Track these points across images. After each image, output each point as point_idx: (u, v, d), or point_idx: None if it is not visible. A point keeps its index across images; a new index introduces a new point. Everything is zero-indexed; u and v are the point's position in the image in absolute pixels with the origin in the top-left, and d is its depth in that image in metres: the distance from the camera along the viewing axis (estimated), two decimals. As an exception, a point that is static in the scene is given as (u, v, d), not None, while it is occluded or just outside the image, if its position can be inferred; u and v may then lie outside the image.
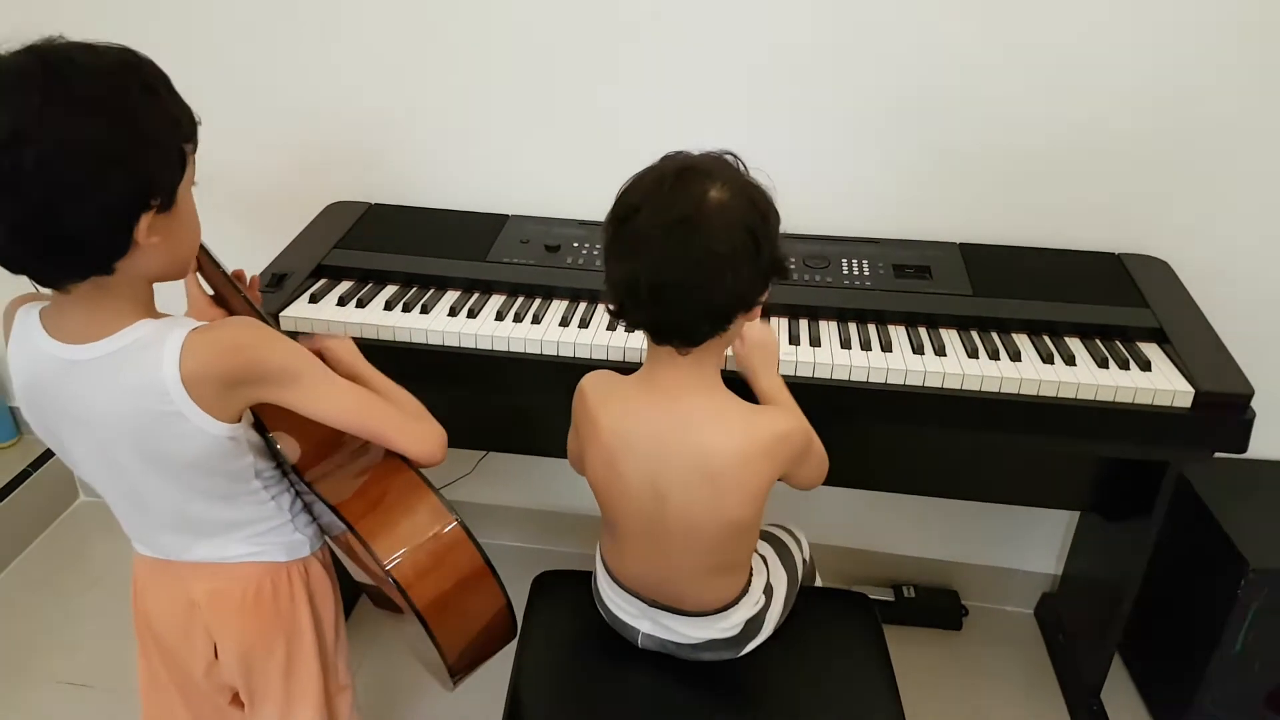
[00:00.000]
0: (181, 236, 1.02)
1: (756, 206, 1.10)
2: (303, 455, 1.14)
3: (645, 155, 1.14)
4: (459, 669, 1.16)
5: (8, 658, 1.99)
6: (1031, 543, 2.07)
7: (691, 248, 1.05)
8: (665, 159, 1.13)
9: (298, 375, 1.06)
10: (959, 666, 2.00)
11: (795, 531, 1.53)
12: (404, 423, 1.14)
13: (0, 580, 2.19)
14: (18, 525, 2.27)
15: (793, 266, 1.18)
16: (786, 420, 1.22)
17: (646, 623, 1.32)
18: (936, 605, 2.09)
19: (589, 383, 1.25)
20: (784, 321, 1.55)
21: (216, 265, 1.21)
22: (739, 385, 1.30)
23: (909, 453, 1.82)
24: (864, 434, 1.71)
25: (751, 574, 1.33)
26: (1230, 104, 1.60)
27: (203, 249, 1.19)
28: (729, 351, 1.36)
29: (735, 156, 1.15)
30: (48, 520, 2.35)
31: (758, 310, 1.16)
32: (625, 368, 1.33)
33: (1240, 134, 1.62)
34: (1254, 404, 1.38)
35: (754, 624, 1.32)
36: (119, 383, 1.00)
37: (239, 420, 1.06)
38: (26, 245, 0.93)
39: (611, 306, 1.14)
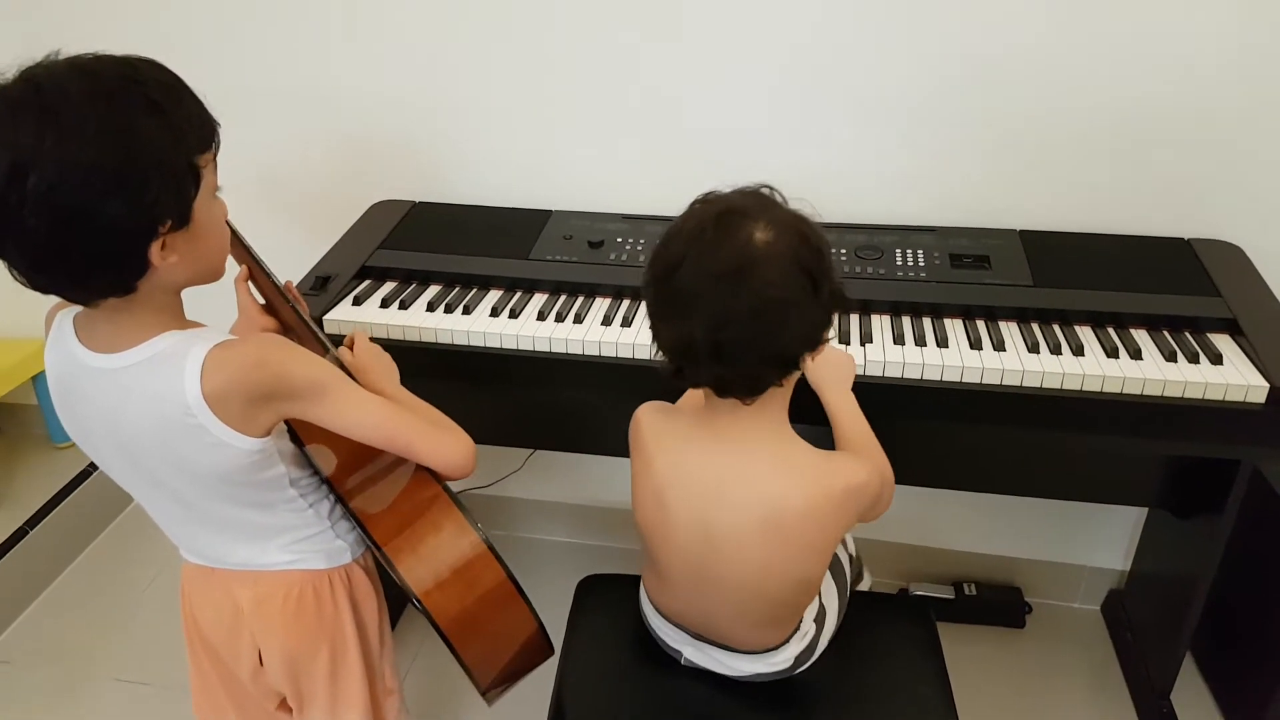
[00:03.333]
0: (204, 249, 1.01)
1: (807, 241, 1.03)
2: (336, 468, 1.13)
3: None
4: (490, 688, 1.15)
5: (70, 655, 2.03)
6: (1098, 538, 2.00)
7: (746, 298, 0.99)
8: (698, 204, 1.07)
9: (323, 390, 1.05)
10: (1022, 666, 1.94)
11: None
12: (431, 434, 1.13)
13: (61, 579, 2.23)
14: (78, 525, 2.31)
15: (844, 286, 1.11)
16: (860, 470, 1.13)
17: (690, 649, 1.29)
18: (999, 602, 2.03)
19: (645, 415, 1.20)
20: (834, 318, 1.50)
21: (268, 275, 1.21)
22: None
23: (966, 450, 1.76)
24: (920, 432, 1.66)
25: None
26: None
27: (254, 259, 1.18)
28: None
29: (771, 189, 1.08)
30: (106, 520, 2.39)
31: (825, 346, 1.09)
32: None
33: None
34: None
35: (807, 653, 1.27)
36: (144, 393, 1.00)
37: (267, 434, 1.05)
38: (45, 273, 0.94)
39: (668, 368, 1.08)
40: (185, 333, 1.02)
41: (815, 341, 1.06)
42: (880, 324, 1.49)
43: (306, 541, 1.17)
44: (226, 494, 1.09)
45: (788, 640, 1.24)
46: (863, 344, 1.44)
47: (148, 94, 0.92)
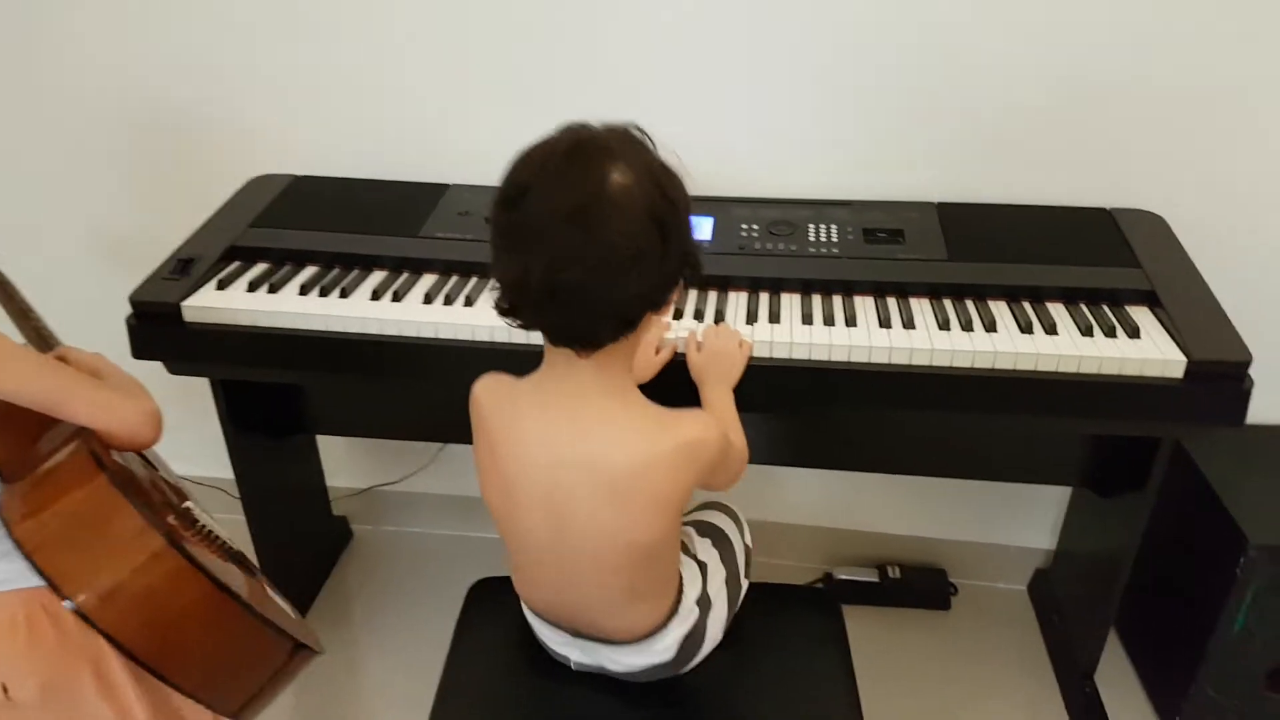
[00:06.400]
0: None
1: (665, 193, 0.95)
2: None
3: (597, 116, 1.00)
4: (232, 711, 1.05)
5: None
6: (1024, 517, 1.96)
7: (591, 242, 0.91)
8: (560, 131, 0.98)
9: None
10: (947, 648, 1.90)
11: (733, 510, 1.39)
12: (97, 395, 1.04)
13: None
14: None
15: (703, 260, 1.03)
16: (697, 426, 1.06)
17: (576, 651, 1.21)
18: (923, 585, 1.99)
19: (482, 387, 1.11)
20: (744, 296, 1.43)
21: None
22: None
23: (881, 432, 1.70)
24: (832, 415, 1.60)
25: (682, 587, 1.19)
26: (1229, 45, 1.46)
27: None
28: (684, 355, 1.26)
29: (642, 131, 1.00)
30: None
31: (669, 308, 1.03)
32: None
33: (1239, 79, 1.49)
34: (1254, 367, 1.25)
35: (693, 640, 1.19)
36: None
37: None
38: None
39: (502, 304, 0.99)
40: None
41: (657, 303, 0.99)
42: (790, 303, 1.41)
43: (4, 559, 1.02)
44: None
45: (667, 624, 1.17)
46: (770, 324, 1.36)
47: None
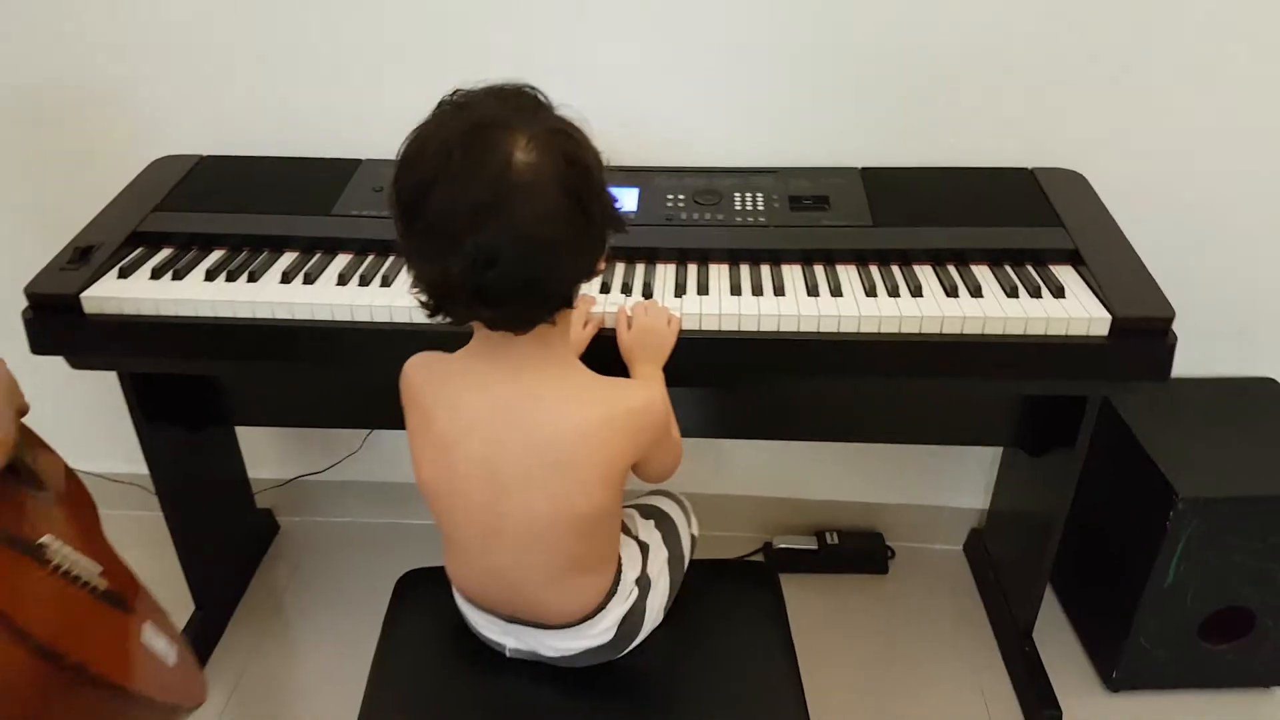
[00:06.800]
0: None
1: (574, 161, 0.90)
2: None
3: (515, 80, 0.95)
4: None
5: None
6: (957, 478, 1.97)
7: (509, 236, 0.86)
8: (447, 108, 0.92)
9: None
10: (887, 612, 1.91)
11: (682, 499, 1.37)
12: None
13: None
14: None
15: (626, 212, 1.02)
16: (642, 392, 1.06)
17: (510, 638, 1.17)
18: (862, 549, 1.99)
19: (414, 366, 1.07)
20: (671, 268, 1.39)
21: None
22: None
23: (814, 400, 1.68)
24: (765, 386, 1.58)
25: (620, 566, 1.17)
26: (1141, 6, 1.46)
27: None
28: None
29: (534, 89, 0.95)
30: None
31: (598, 274, 1.00)
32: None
33: (1150, 38, 1.49)
34: (1178, 321, 1.26)
35: (631, 622, 1.17)
36: None
37: None
38: None
39: (428, 305, 0.94)
40: None
41: (591, 272, 0.97)
42: (718, 274, 1.38)
43: None
44: None
45: (605, 605, 1.14)
46: (699, 295, 1.33)
47: None
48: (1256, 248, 1.65)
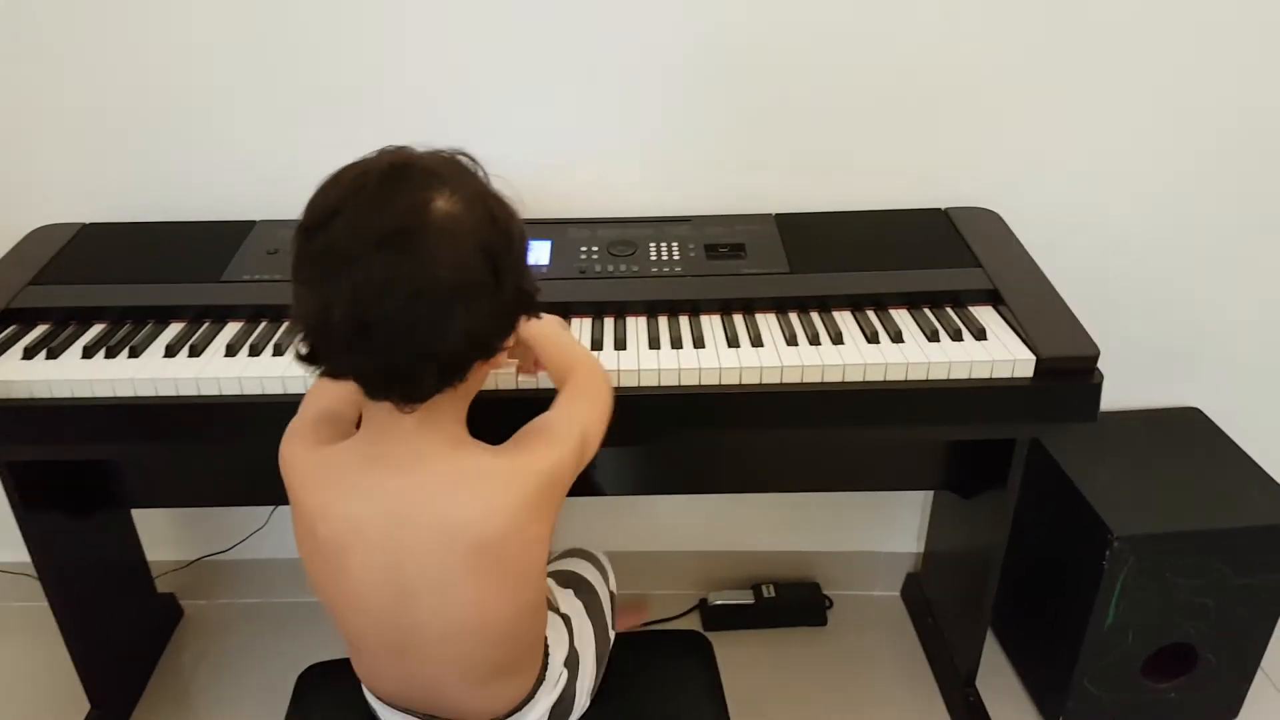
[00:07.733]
0: None
1: (496, 223, 0.85)
2: None
3: (422, 137, 0.89)
4: None
5: None
6: (891, 523, 1.94)
7: (407, 272, 0.79)
8: (379, 153, 0.87)
9: None
10: (827, 663, 1.85)
11: (597, 556, 1.29)
12: None
13: None
14: None
15: (540, 292, 0.92)
16: (546, 451, 0.95)
17: None
18: (799, 600, 1.94)
19: (291, 451, 0.97)
20: (587, 322, 1.34)
21: None
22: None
23: (741, 452, 1.63)
24: (690, 440, 1.53)
25: (547, 651, 1.09)
26: (1050, 45, 1.47)
27: None
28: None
29: (472, 159, 0.90)
30: None
31: (501, 358, 0.92)
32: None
33: (1059, 76, 1.50)
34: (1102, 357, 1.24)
35: (561, 708, 1.09)
36: None
37: None
38: None
39: (302, 349, 0.86)
40: None
41: (489, 348, 0.88)
42: (636, 326, 1.33)
43: None
44: None
45: (534, 695, 1.06)
46: (617, 350, 1.28)
47: None
48: (1174, 277, 1.65)
